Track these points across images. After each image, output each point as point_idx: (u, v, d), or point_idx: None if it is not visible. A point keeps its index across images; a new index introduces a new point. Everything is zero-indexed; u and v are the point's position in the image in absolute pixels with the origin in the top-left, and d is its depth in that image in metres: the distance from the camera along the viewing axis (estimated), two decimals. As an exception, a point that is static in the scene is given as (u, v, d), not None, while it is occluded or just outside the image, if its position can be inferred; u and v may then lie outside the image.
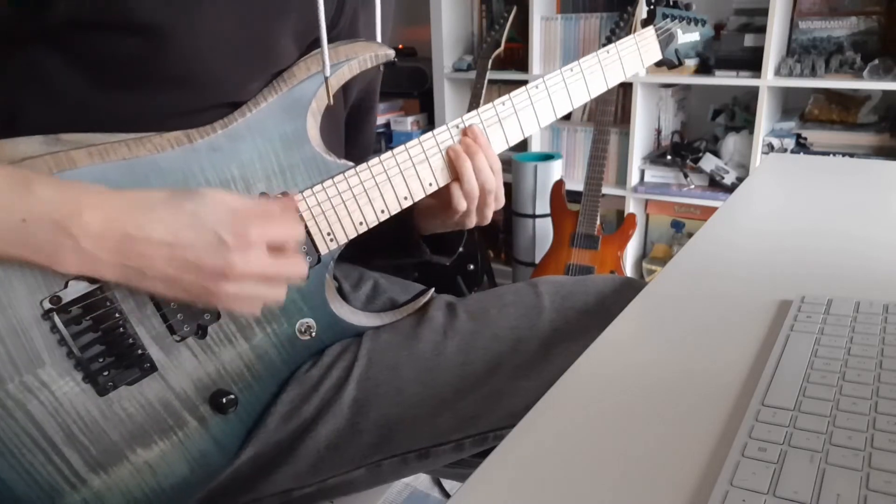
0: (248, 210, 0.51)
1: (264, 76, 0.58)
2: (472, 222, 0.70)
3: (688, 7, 0.82)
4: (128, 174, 0.52)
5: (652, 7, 0.79)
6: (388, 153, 0.62)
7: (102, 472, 0.53)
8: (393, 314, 0.68)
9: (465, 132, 0.65)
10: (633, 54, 0.74)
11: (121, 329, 0.51)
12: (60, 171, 0.50)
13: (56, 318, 0.49)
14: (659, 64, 0.79)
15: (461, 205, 0.66)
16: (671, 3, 0.80)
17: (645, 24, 0.78)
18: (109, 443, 0.52)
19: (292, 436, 0.60)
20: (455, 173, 0.65)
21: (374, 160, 0.61)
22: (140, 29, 0.50)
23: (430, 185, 0.64)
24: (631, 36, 0.74)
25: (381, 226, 0.63)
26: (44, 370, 0.50)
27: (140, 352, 0.53)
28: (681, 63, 0.80)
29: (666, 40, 0.78)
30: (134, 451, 0.54)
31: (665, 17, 0.78)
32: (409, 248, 0.77)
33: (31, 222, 0.45)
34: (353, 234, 0.61)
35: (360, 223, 0.61)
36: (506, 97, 0.67)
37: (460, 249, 0.78)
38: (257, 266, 0.51)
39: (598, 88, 0.72)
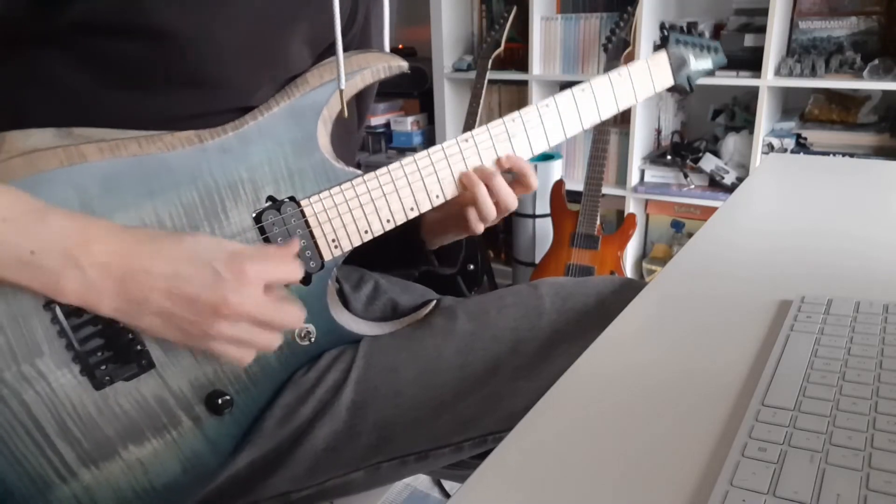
0: (245, 250, 0.52)
1: (276, 81, 0.58)
2: (481, 230, 0.70)
3: (701, 34, 0.82)
4: (137, 171, 0.52)
5: (665, 33, 0.79)
6: (397, 164, 0.62)
7: (94, 466, 0.52)
8: (393, 324, 0.68)
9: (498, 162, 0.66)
10: (645, 78, 0.74)
11: (121, 324, 0.51)
12: (71, 165, 0.50)
13: (57, 310, 0.49)
14: (671, 90, 0.79)
15: (479, 228, 0.67)
16: (684, 29, 0.81)
17: (657, 49, 0.78)
18: (102, 437, 0.52)
19: (289, 439, 0.60)
20: (468, 194, 0.65)
21: (382, 169, 0.61)
22: (154, 33, 0.50)
23: (437, 196, 0.64)
24: (643, 59, 0.74)
25: (391, 241, 0.63)
26: (42, 360, 0.50)
27: (139, 348, 0.53)
28: (692, 90, 0.80)
29: (678, 66, 0.78)
30: (126, 448, 0.53)
31: (678, 42, 0.78)
32: (417, 261, 0.77)
33: (39, 254, 0.46)
34: (357, 242, 0.61)
35: (366, 231, 0.61)
36: (515, 114, 0.66)
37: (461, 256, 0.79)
38: (252, 305, 0.51)
39: (609, 111, 0.72)
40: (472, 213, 0.66)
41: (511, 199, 0.66)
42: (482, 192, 0.64)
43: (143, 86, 0.53)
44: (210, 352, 0.53)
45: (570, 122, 0.69)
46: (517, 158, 0.66)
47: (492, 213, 0.66)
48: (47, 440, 0.50)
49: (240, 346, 0.52)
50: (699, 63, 0.81)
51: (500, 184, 0.65)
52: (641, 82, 0.74)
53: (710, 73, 0.84)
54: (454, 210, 0.69)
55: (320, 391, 0.61)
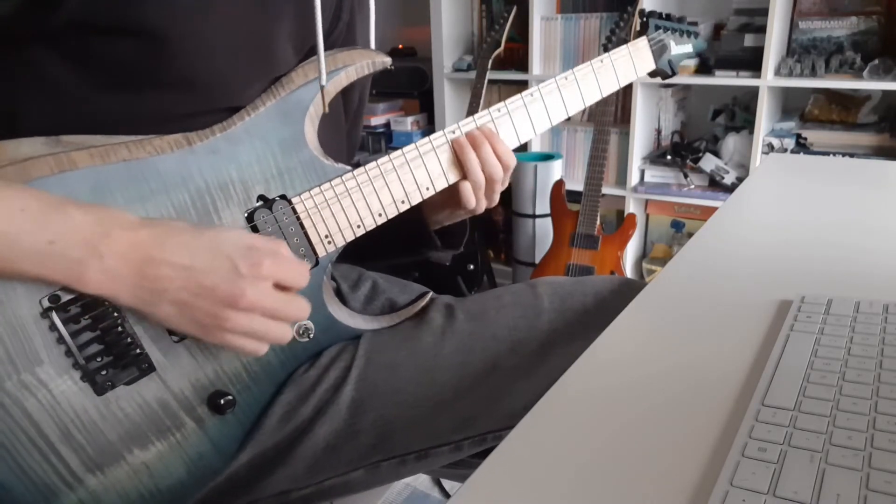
0: (263, 246, 0.53)
1: (263, 81, 0.58)
2: (481, 208, 0.70)
3: (680, 20, 0.83)
4: (127, 175, 0.52)
5: (645, 19, 0.80)
6: (385, 157, 0.62)
7: (99, 472, 0.52)
8: (391, 318, 0.68)
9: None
10: (627, 63, 0.75)
11: (119, 328, 0.51)
12: (62, 172, 0.50)
13: (55, 317, 0.49)
14: (653, 74, 0.81)
15: (471, 201, 0.67)
16: (664, 15, 0.82)
17: (638, 34, 0.79)
18: (106, 443, 0.52)
19: (290, 437, 0.60)
20: (461, 169, 0.66)
21: (371, 164, 0.62)
22: (144, 34, 0.50)
23: (427, 189, 0.65)
24: (625, 45, 0.75)
25: (393, 227, 0.63)
26: (42, 369, 0.49)
27: (138, 351, 0.53)
28: (674, 73, 0.82)
29: (659, 51, 0.79)
30: (131, 452, 0.53)
31: (658, 28, 0.80)
32: (420, 242, 0.77)
33: (58, 243, 0.46)
34: (350, 237, 0.62)
35: (358, 226, 0.62)
36: (501, 104, 0.67)
37: (464, 240, 0.78)
38: (267, 298, 0.52)
39: (593, 96, 0.73)
40: (464, 186, 0.66)
41: (497, 169, 0.66)
42: (471, 157, 0.65)
43: (133, 86, 0.53)
44: (224, 344, 0.53)
45: (554, 110, 0.70)
46: (493, 136, 0.66)
47: (481, 181, 0.66)
48: (51, 448, 0.50)
49: (254, 339, 0.53)
50: (679, 48, 0.82)
51: (487, 152, 0.65)
52: (623, 68, 0.75)
53: (691, 57, 0.85)
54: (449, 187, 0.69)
55: (321, 389, 0.61)
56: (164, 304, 0.50)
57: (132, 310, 0.51)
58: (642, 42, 0.77)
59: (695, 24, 0.87)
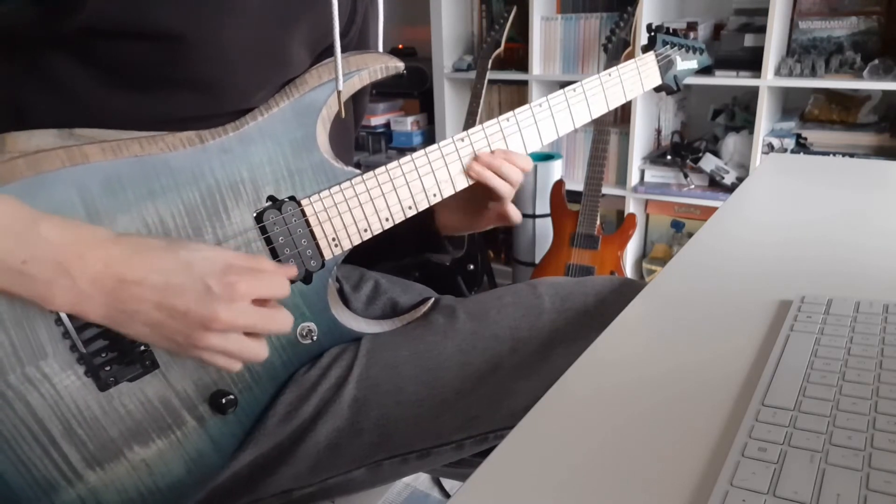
0: (240, 264, 0.51)
1: (275, 83, 0.59)
2: (513, 210, 0.73)
3: (686, 35, 0.84)
4: (139, 171, 0.52)
5: (653, 34, 0.80)
6: (395, 163, 0.63)
7: (99, 468, 0.53)
8: (392, 322, 0.69)
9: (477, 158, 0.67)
10: (634, 78, 0.76)
11: None
12: (73, 165, 0.50)
13: (61, 311, 0.49)
14: (658, 89, 0.81)
15: (508, 206, 0.70)
16: (671, 31, 0.83)
17: (645, 49, 0.80)
18: (107, 439, 0.53)
19: (292, 436, 0.60)
20: (468, 176, 0.67)
21: (381, 169, 0.62)
22: (160, 37, 0.50)
23: (435, 195, 0.65)
24: (633, 61, 0.76)
25: (404, 227, 0.64)
26: (46, 362, 0.50)
27: (143, 349, 0.53)
28: (679, 89, 0.82)
29: (665, 66, 0.80)
30: (131, 449, 0.54)
31: (665, 43, 0.80)
32: (430, 246, 0.78)
33: (31, 263, 0.45)
34: (357, 241, 0.62)
35: (365, 230, 0.62)
36: (510, 114, 0.68)
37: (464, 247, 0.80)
38: (242, 319, 0.51)
39: (599, 110, 0.74)
40: (497, 206, 0.69)
41: (515, 173, 0.68)
42: (490, 175, 0.66)
43: (147, 88, 0.53)
44: (197, 360, 0.53)
45: (562, 122, 0.71)
46: (506, 151, 0.67)
47: (507, 190, 0.68)
48: (52, 442, 0.51)
49: (228, 357, 0.52)
50: (685, 63, 0.83)
51: (501, 164, 0.67)
52: (630, 83, 0.76)
53: (696, 73, 0.86)
54: (472, 208, 0.71)
55: (322, 389, 0.62)
56: (136, 324, 0.49)
57: (102, 325, 0.50)
58: (650, 57, 0.78)
59: (694, 24, 0.88)
